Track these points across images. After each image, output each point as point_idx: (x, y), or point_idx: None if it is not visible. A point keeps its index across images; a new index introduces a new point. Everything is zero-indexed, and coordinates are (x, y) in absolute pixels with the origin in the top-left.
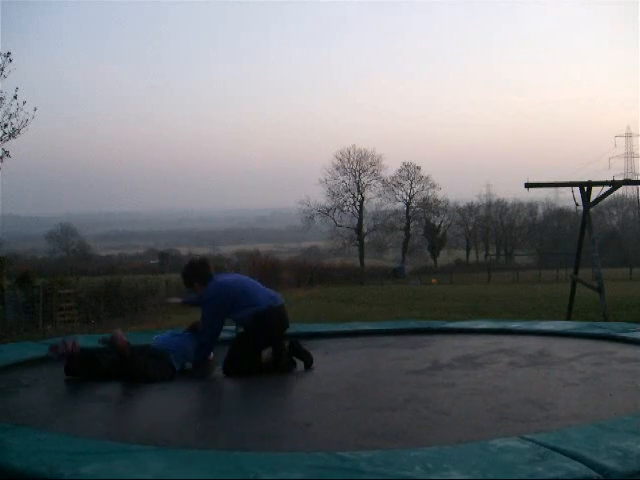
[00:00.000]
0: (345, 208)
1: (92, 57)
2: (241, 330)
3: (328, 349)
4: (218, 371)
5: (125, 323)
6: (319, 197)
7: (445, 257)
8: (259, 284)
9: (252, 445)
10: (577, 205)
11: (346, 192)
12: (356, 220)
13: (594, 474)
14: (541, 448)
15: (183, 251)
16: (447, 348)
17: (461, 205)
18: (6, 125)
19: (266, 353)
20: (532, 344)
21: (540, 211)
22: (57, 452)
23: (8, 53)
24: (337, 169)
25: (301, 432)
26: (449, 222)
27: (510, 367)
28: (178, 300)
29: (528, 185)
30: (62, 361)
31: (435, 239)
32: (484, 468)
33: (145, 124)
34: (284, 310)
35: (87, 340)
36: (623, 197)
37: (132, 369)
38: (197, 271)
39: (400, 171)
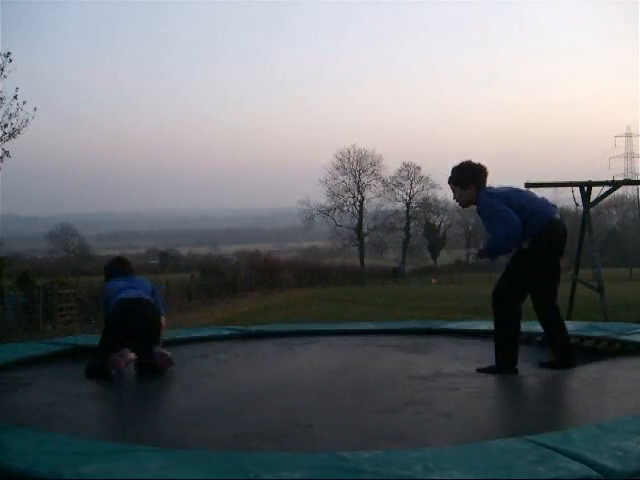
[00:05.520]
0: (345, 208)
1: (92, 57)
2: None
3: (328, 348)
4: (217, 368)
5: None
6: (319, 197)
7: (445, 257)
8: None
9: (252, 445)
10: (577, 205)
11: (346, 192)
12: (356, 220)
13: (595, 474)
14: (542, 449)
15: (183, 251)
16: (448, 349)
17: None
18: (6, 125)
19: None
20: (532, 344)
21: None
22: (57, 452)
23: (8, 53)
24: (337, 169)
25: (302, 433)
26: (449, 222)
27: None
28: (474, 251)
29: (528, 185)
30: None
31: (435, 239)
32: (485, 468)
33: (145, 124)
34: (563, 224)
35: (87, 340)
36: (623, 197)
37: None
38: (476, 172)
39: (400, 171)
